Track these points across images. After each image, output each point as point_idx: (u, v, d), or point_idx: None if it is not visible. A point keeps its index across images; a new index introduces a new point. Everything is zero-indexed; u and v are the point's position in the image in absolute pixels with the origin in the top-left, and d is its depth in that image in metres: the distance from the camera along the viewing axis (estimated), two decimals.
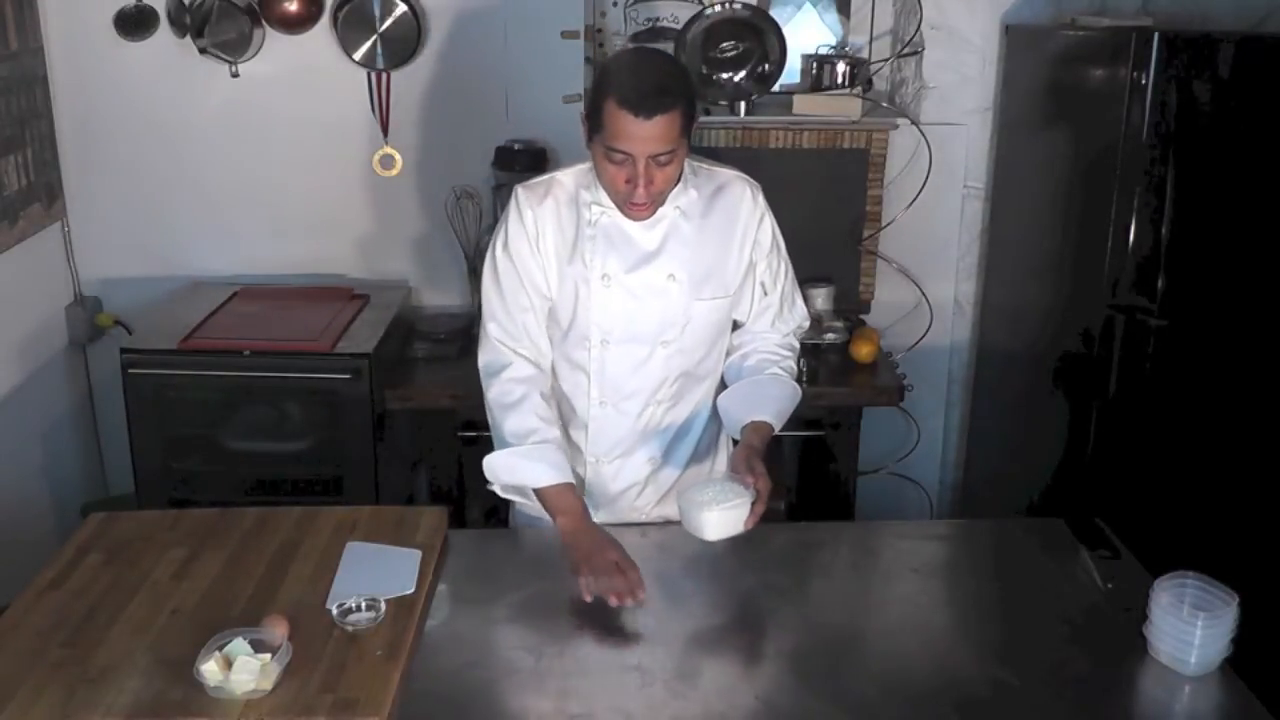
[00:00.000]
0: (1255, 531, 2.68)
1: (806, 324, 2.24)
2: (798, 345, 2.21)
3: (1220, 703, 1.62)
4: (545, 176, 2.06)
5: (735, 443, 2.06)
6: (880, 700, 1.60)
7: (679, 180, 1.98)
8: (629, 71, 1.90)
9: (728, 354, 2.17)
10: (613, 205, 1.99)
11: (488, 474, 2.03)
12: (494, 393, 2.04)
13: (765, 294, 2.12)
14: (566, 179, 2.04)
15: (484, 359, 2.08)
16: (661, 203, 1.98)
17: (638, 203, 1.92)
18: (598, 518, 2.11)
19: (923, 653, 1.72)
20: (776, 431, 2.05)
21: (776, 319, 2.15)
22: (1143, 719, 1.64)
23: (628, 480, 2.13)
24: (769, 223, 2.09)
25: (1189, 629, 1.62)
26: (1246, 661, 1.66)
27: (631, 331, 2.04)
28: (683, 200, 2.01)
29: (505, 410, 2.02)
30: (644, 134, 1.83)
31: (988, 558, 2.07)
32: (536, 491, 1.96)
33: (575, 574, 1.82)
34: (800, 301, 2.21)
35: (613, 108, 1.83)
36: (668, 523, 2.09)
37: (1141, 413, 2.68)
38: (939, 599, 1.94)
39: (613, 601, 1.77)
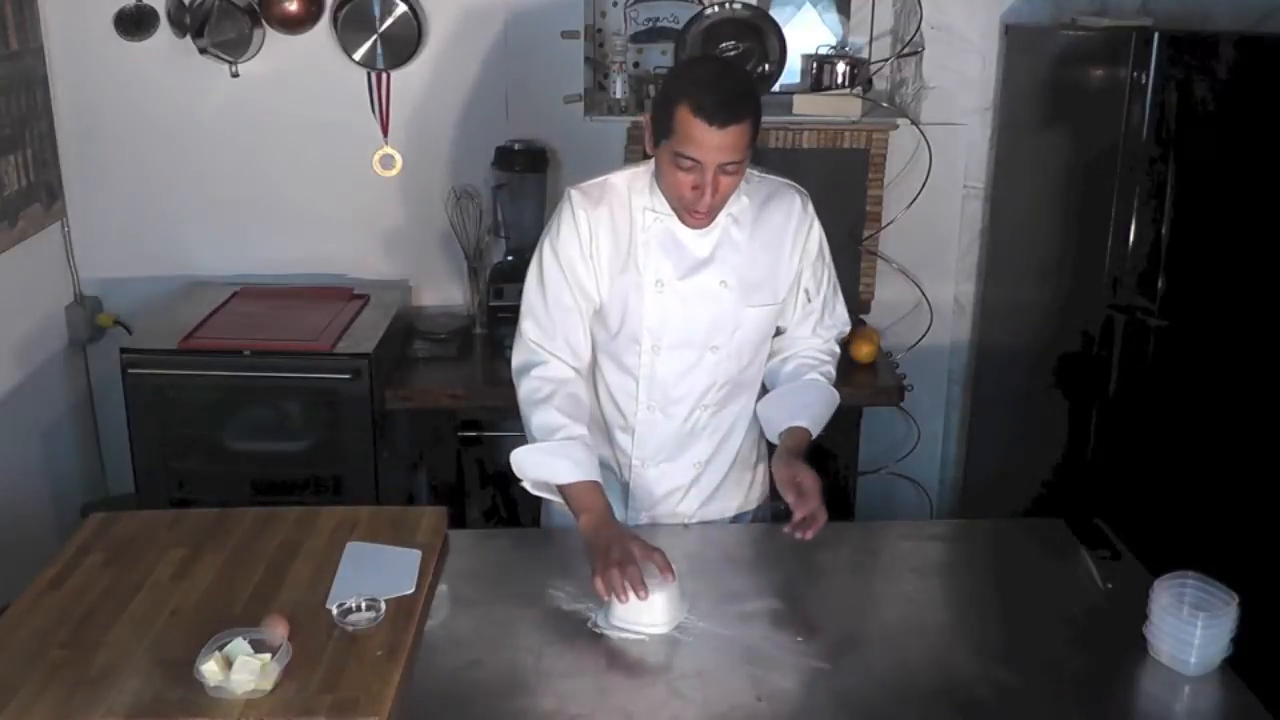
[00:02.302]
0: (1255, 531, 2.68)
1: (847, 329, 2.25)
2: (838, 350, 2.23)
3: (1220, 703, 1.62)
4: (599, 179, 2.05)
5: (772, 447, 2.09)
6: (880, 700, 1.60)
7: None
8: (704, 80, 1.88)
9: (768, 359, 2.18)
10: (667, 211, 1.99)
11: (515, 470, 2.00)
12: (524, 390, 2.02)
13: (809, 300, 2.13)
14: (619, 183, 2.03)
15: (517, 359, 2.06)
16: (719, 211, 1.98)
17: (700, 210, 1.92)
18: (640, 521, 2.13)
19: (923, 653, 1.72)
20: (814, 436, 2.07)
21: (818, 325, 2.17)
22: (1143, 719, 1.64)
23: (671, 484, 2.13)
24: (817, 231, 2.09)
25: (1189, 629, 1.62)
26: (1246, 661, 1.66)
27: (682, 337, 2.04)
28: (735, 208, 2.01)
29: (533, 406, 2.00)
30: (716, 143, 1.83)
31: (988, 558, 2.07)
32: (561, 489, 1.94)
33: (594, 573, 1.77)
34: (841, 307, 2.21)
35: (686, 115, 1.83)
36: (706, 524, 2.13)
37: (1141, 413, 2.68)
38: (939, 599, 1.94)
39: (621, 599, 1.72)
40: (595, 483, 1.92)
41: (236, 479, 2.87)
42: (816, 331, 2.18)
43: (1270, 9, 2.82)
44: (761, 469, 2.24)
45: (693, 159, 1.85)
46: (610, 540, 1.80)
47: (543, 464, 1.95)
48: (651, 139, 1.93)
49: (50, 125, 3.16)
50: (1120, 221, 2.60)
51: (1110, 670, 1.67)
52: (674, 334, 2.03)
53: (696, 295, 2.01)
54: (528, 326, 2.05)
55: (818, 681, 1.63)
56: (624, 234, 2.01)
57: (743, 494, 2.21)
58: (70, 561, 1.85)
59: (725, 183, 1.89)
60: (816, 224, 2.10)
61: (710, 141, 1.83)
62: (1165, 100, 2.51)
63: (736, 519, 2.21)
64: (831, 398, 2.15)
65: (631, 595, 1.71)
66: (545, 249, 2.04)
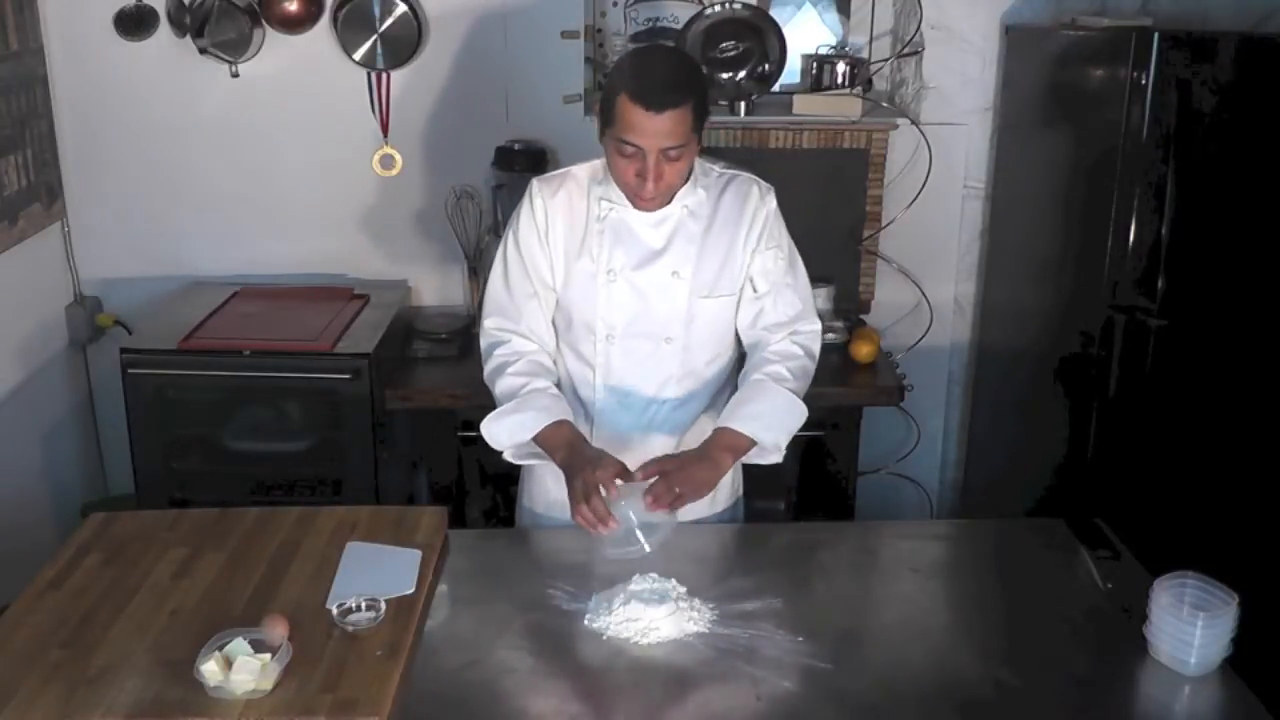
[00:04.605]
0: (1255, 531, 2.68)
1: (812, 328, 2.12)
2: (798, 350, 2.09)
3: (1220, 703, 1.63)
4: (562, 170, 2.08)
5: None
6: (880, 700, 1.60)
7: (689, 177, 2.00)
8: (642, 66, 1.92)
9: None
10: (622, 201, 2.01)
11: (490, 442, 2.03)
12: (488, 370, 2.08)
13: (755, 292, 2.10)
14: (581, 173, 2.06)
15: (482, 345, 2.11)
16: (672, 195, 1.99)
17: (646, 196, 1.94)
18: None
19: (923, 653, 1.72)
20: (753, 438, 1.99)
21: (759, 317, 2.09)
22: (1143, 719, 1.64)
23: None
24: (770, 220, 2.08)
25: (1189, 629, 1.62)
26: (1246, 661, 1.66)
27: (636, 327, 2.05)
28: (691, 200, 2.02)
29: (494, 379, 2.05)
30: (654, 128, 1.85)
31: (988, 558, 2.07)
32: (536, 440, 1.97)
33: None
34: (799, 303, 2.10)
35: (625, 101, 1.85)
36: (703, 524, 2.11)
37: (1141, 413, 2.68)
38: (939, 599, 1.94)
39: (598, 532, 1.81)
40: (561, 421, 1.96)
41: (236, 479, 2.87)
42: (757, 324, 2.09)
43: (1270, 9, 2.82)
44: (732, 473, 2.20)
45: (633, 145, 1.87)
46: (574, 474, 1.87)
47: (510, 425, 2.00)
48: (599, 128, 1.95)
49: (50, 125, 3.16)
50: (1120, 221, 2.60)
51: (1110, 670, 1.67)
52: (627, 324, 2.05)
53: (649, 285, 2.03)
54: (489, 313, 2.10)
55: (818, 681, 1.63)
56: (580, 222, 2.03)
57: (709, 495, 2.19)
58: (70, 561, 1.85)
59: (669, 169, 1.91)
60: (770, 215, 2.06)
61: (649, 127, 1.85)
62: (1165, 100, 2.51)
63: (702, 520, 2.16)
64: (776, 396, 2.01)
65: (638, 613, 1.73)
66: (508, 238, 2.09)
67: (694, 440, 2.12)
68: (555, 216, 2.03)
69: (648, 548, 1.80)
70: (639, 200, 1.97)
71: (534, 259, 2.05)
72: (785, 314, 2.10)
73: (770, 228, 2.08)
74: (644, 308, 2.04)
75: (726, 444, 1.98)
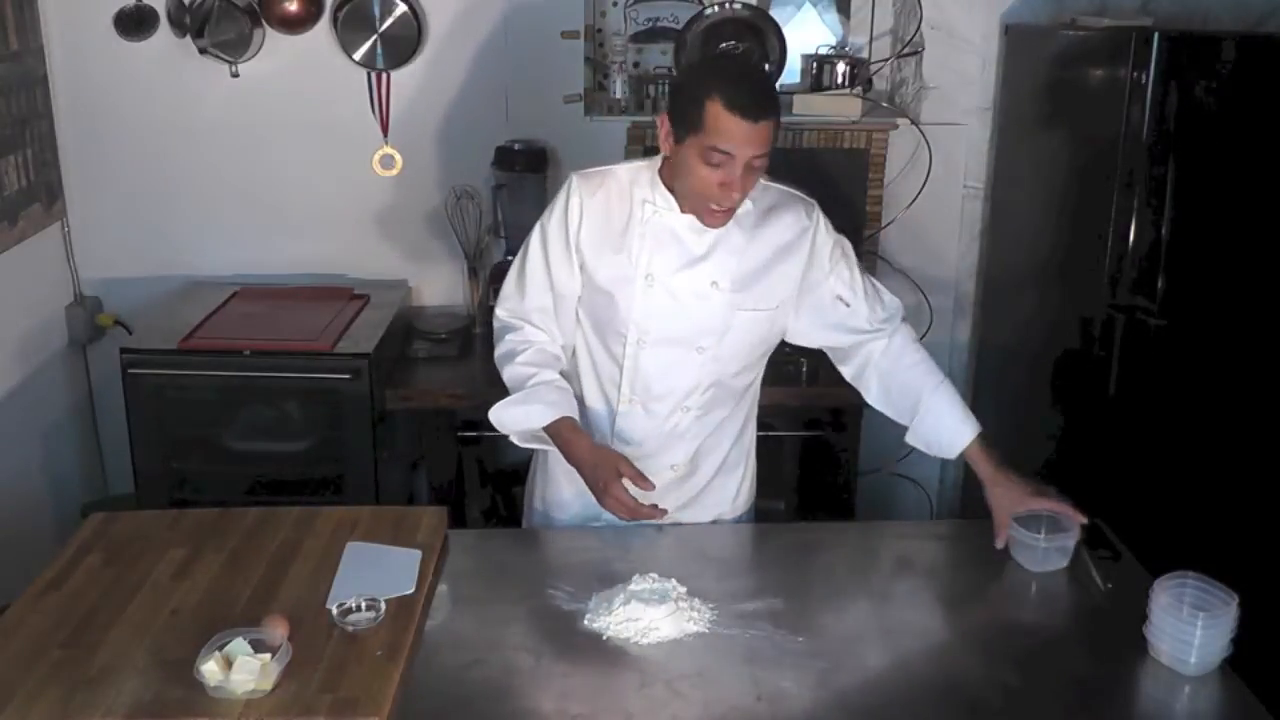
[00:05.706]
0: (1255, 531, 2.68)
1: (901, 309, 2.18)
2: (912, 330, 2.17)
3: (1220, 703, 1.63)
4: (603, 168, 2.07)
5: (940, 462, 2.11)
6: (880, 700, 1.61)
7: None
8: (734, 76, 1.91)
9: (858, 373, 2.15)
10: (667, 206, 1.99)
11: (497, 426, 2.05)
12: (498, 354, 2.10)
13: (848, 305, 2.09)
14: (622, 173, 2.04)
15: (495, 327, 2.14)
16: (738, 208, 1.98)
17: (724, 208, 1.93)
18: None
19: (923, 653, 1.73)
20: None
21: (870, 316, 2.11)
22: (1143, 719, 1.64)
23: None
24: (826, 237, 2.07)
25: (1189, 629, 1.62)
26: (1246, 661, 1.66)
27: (669, 334, 2.03)
28: (738, 210, 2.00)
29: (504, 364, 2.07)
30: (751, 136, 1.85)
31: (988, 558, 2.07)
32: (546, 432, 2.00)
33: (599, 501, 1.95)
34: (883, 290, 2.15)
35: (719, 109, 1.83)
36: (678, 525, 2.10)
37: (1141, 413, 2.68)
38: (939, 599, 1.94)
39: (625, 518, 1.92)
40: (569, 418, 2.00)
41: (236, 479, 2.88)
42: (872, 322, 2.11)
43: (1270, 9, 2.82)
44: (748, 480, 2.23)
45: (725, 153, 1.85)
46: (594, 470, 1.95)
47: (518, 413, 2.02)
48: (671, 137, 1.92)
49: (50, 125, 3.16)
50: (1120, 221, 2.60)
51: (1110, 670, 1.67)
52: (660, 329, 2.03)
53: (686, 292, 2.01)
54: (503, 299, 2.12)
55: (818, 681, 1.63)
56: (619, 224, 2.01)
57: (727, 503, 2.19)
58: (70, 561, 1.84)
59: (750, 179, 1.90)
60: (826, 231, 2.07)
61: (747, 136, 1.84)
62: (1165, 100, 2.51)
63: (719, 520, 2.18)
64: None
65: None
66: (536, 229, 2.08)
67: (710, 448, 2.13)
68: (591, 215, 2.01)
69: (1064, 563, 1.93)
70: (714, 213, 1.94)
71: (556, 259, 2.03)
72: (892, 308, 2.15)
73: (833, 243, 2.08)
74: (680, 315, 2.02)
75: (989, 448, 2.08)
